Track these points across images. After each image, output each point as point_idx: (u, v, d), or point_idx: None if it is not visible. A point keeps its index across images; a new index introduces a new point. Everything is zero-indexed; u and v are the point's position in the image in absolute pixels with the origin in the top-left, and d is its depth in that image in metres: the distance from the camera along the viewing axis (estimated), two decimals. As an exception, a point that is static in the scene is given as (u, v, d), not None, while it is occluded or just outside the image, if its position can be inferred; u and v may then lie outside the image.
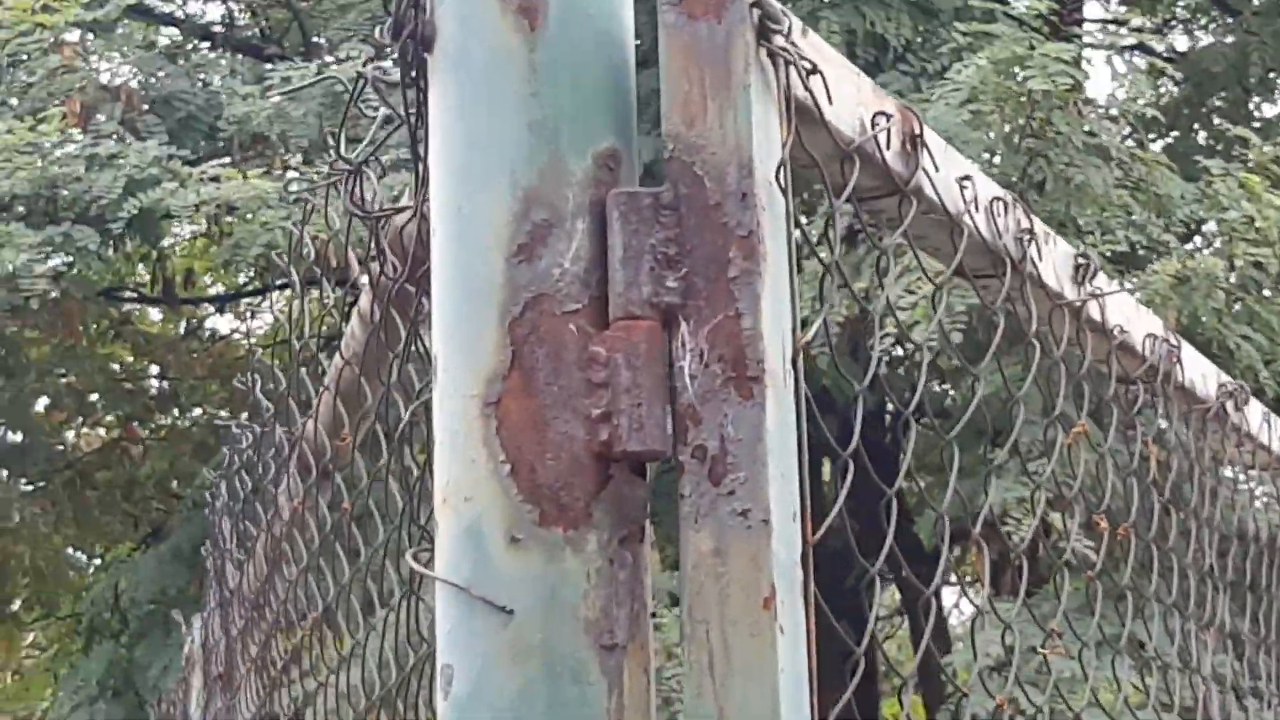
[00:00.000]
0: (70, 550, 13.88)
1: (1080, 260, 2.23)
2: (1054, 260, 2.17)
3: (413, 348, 1.81)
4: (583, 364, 1.45)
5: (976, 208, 1.89)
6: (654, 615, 1.49)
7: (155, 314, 14.41)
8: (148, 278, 12.06)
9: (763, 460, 1.42)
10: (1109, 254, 8.37)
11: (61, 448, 12.73)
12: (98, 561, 13.73)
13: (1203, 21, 11.39)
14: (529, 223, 1.46)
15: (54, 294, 10.48)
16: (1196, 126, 11.31)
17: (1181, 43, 11.66)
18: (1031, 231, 2.05)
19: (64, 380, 12.10)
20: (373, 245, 1.76)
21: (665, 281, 1.46)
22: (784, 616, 1.42)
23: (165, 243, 11.61)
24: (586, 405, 1.45)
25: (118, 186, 8.00)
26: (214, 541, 3.68)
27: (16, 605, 13.54)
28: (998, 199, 1.95)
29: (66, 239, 8.00)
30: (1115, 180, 8.44)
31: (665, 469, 1.48)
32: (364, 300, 2.11)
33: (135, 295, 13.37)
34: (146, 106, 8.80)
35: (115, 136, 8.45)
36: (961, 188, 1.87)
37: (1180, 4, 11.37)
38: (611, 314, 1.46)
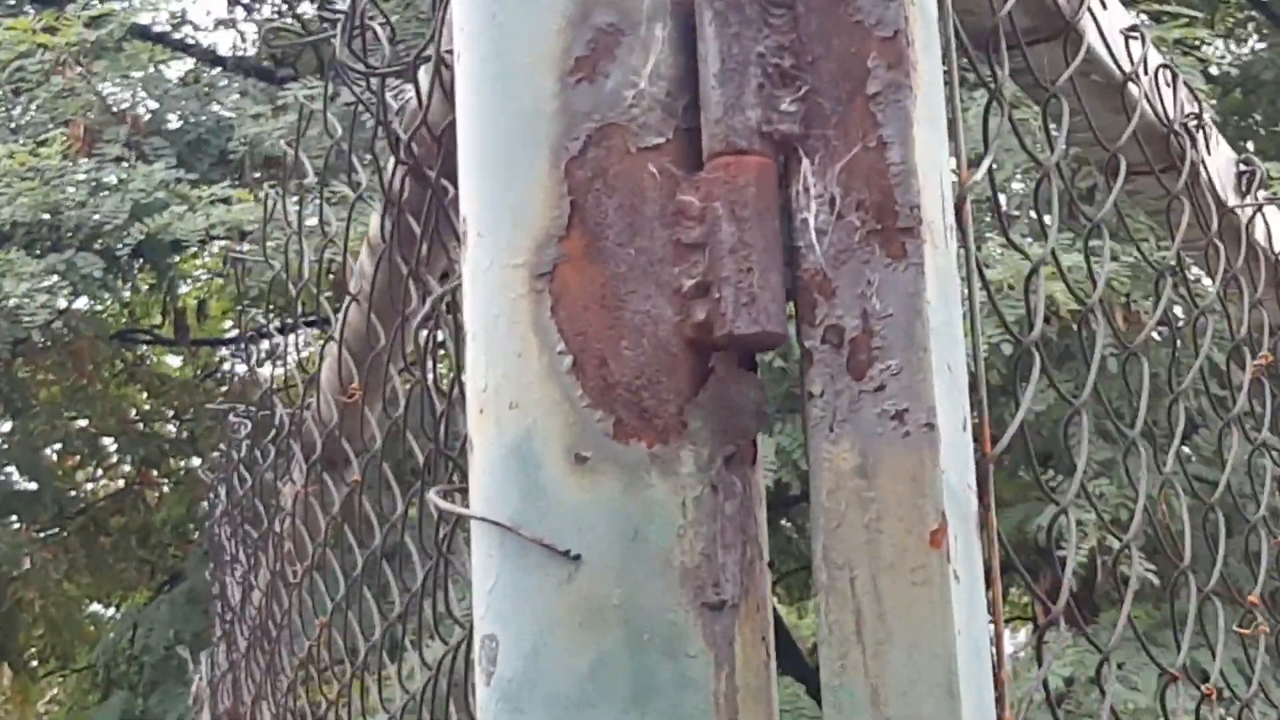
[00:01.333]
0: (87, 601, 13.48)
1: (1244, 167, 1.82)
2: (1218, 164, 1.76)
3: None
4: (669, 218, 1.05)
5: (1145, 70, 1.49)
6: (771, 565, 1.09)
7: (173, 359, 14.07)
8: (161, 319, 11.71)
9: (922, 344, 1.02)
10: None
11: (74, 493, 12.34)
12: (113, 611, 13.32)
13: (1249, 30, 11.00)
14: (590, 28, 1.07)
15: (63, 331, 10.15)
16: (1244, 139, 10.90)
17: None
18: (1200, 118, 1.64)
19: (76, 423, 11.71)
20: (380, 113, 1.37)
21: (779, 104, 1.06)
22: (958, 558, 1.01)
23: (181, 289, 11.28)
24: (675, 275, 1.05)
25: (123, 211, 7.64)
26: (215, 557, 3.28)
27: (31, 657, 13.13)
28: (1164, 67, 1.55)
29: (70, 267, 7.63)
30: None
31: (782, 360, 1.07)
32: (373, 224, 1.72)
33: (150, 338, 13.03)
34: (154, 130, 8.45)
35: (120, 160, 8.09)
36: (1128, 40, 1.47)
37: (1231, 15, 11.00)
38: (706, 150, 1.06)
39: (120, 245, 7.73)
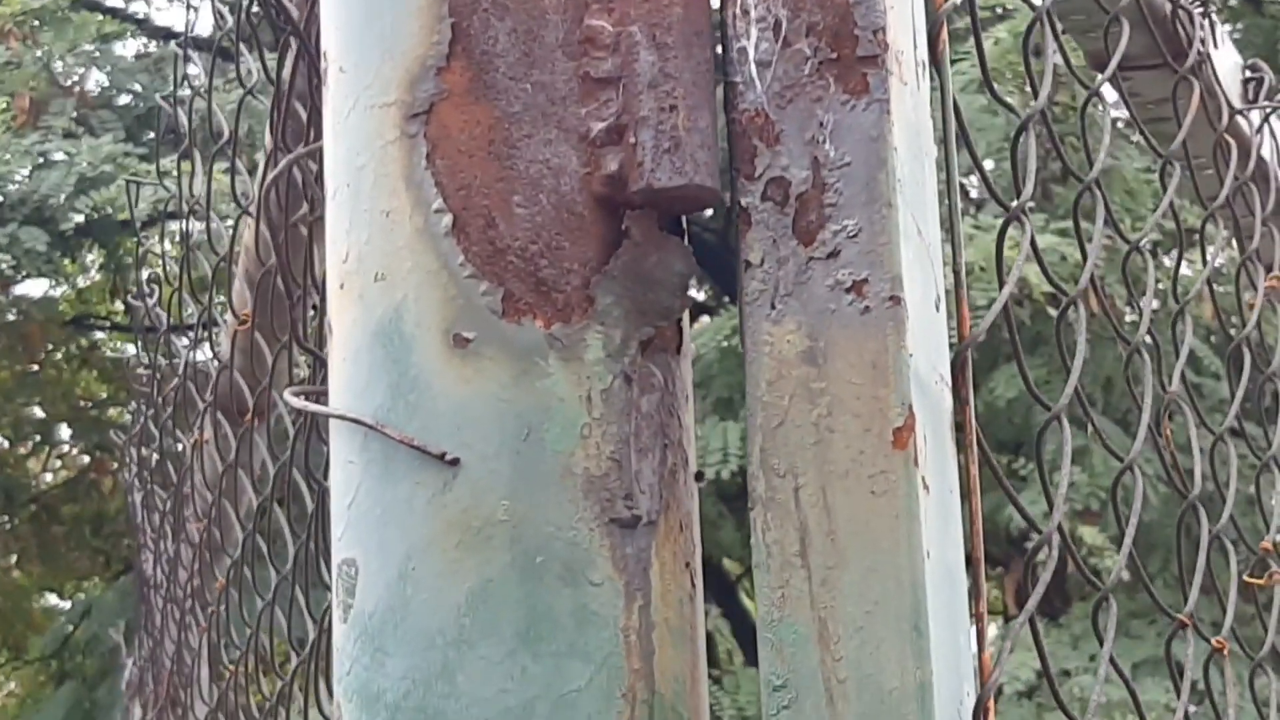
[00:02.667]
0: (39, 592, 13.21)
1: (1250, 73, 1.63)
2: (1224, 66, 1.56)
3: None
4: (574, 47, 0.85)
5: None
6: (699, 478, 0.89)
7: (130, 347, 13.80)
8: (111, 299, 11.44)
9: (886, 199, 0.82)
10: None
11: (25, 481, 12.06)
12: (65, 604, 13.05)
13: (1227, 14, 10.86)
14: None
15: (13, 315, 9.90)
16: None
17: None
18: (1206, 9, 1.45)
19: (26, 410, 11.44)
20: None
21: (711, -93, 0.86)
22: (928, 464, 0.82)
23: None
24: (582, 116, 0.85)
25: (68, 184, 7.39)
26: (132, 527, 3.06)
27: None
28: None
29: (13, 241, 7.38)
30: (1143, 166, 7.86)
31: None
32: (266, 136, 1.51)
33: (106, 324, 12.78)
34: (102, 104, 8.21)
35: (68, 135, 7.84)
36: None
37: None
38: (621, -37, 0.86)
39: (66, 220, 7.49)
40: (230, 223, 1.90)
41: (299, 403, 0.90)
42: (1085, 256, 1.20)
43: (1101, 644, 0.96)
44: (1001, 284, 0.95)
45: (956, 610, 0.82)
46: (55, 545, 11.65)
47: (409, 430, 0.83)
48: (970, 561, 0.84)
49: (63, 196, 7.41)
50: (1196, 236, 1.53)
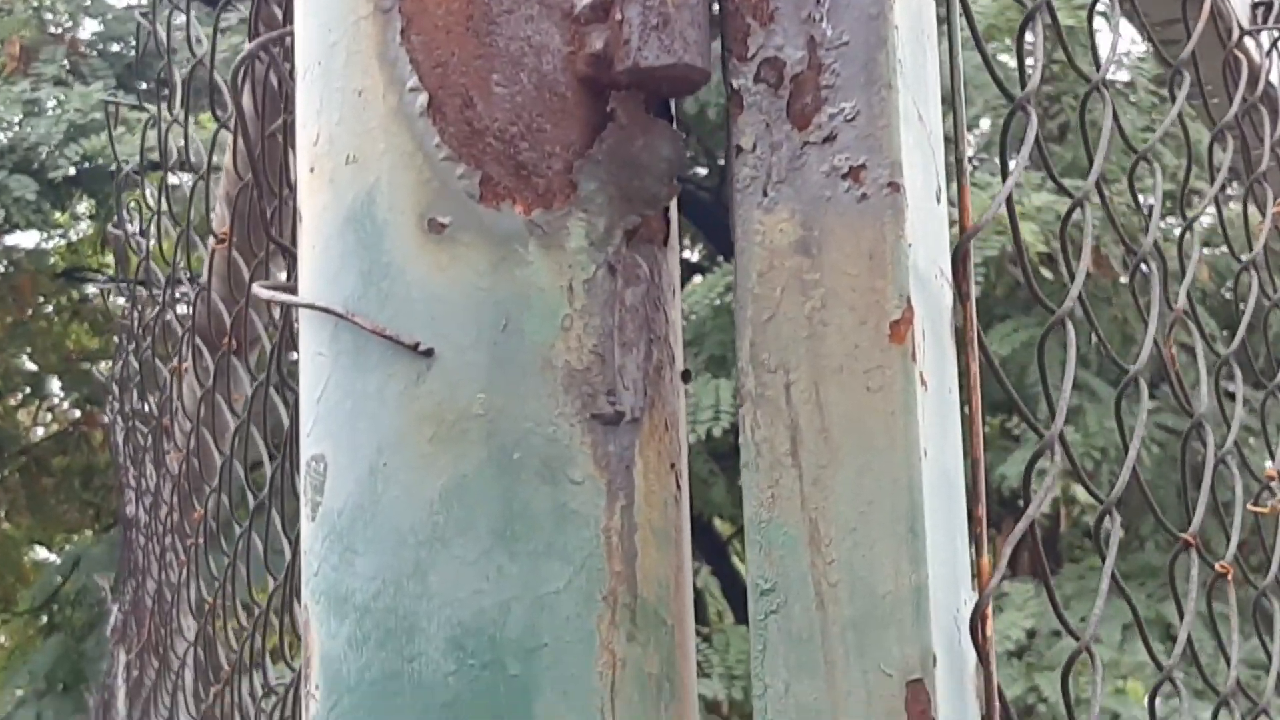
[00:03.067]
0: (29, 544, 13.17)
1: (1259, -1, 1.58)
2: (1230, -10, 1.52)
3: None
4: (558, -82, 0.81)
5: None
6: (686, 377, 0.85)
7: (122, 299, 13.72)
8: (101, 249, 11.37)
9: (886, 80, 0.78)
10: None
11: (15, 432, 12.01)
12: (54, 558, 13.02)
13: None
14: None
15: (4, 265, 9.84)
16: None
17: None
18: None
19: (17, 361, 11.39)
20: None
21: None
22: (926, 360, 0.78)
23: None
24: (565, -8, 0.80)
25: (58, 132, 7.33)
26: (115, 466, 3.02)
27: (-28, 601, 12.84)
28: None
29: (3, 189, 7.31)
30: (1141, 125, 7.80)
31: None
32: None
33: (96, 276, 12.72)
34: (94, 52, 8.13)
35: (58, 82, 7.77)
36: None
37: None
38: None
39: (56, 169, 7.43)
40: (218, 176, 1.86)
41: (266, 293, 0.85)
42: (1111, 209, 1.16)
43: (1104, 559, 0.92)
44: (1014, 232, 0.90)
45: (954, 513, 0.79)
46: (45, 498, 11.62)
47: (381, 320, 0.79)
48: (965, 396, 0.80)
49: (53, 144, 7.34)
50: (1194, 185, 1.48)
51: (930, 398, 0.77)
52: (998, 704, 0.78)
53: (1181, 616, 0.99)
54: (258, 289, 0.86)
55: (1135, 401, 1.14)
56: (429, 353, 0.78)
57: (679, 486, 0.82)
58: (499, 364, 0.78)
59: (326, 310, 0.79)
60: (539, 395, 0.78)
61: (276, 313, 1.63)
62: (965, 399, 0.82)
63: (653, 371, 0.81)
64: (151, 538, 2.47)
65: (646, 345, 0.81)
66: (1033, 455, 0.87)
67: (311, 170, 0.82)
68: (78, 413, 12.54)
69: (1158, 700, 1.03)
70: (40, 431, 12.83)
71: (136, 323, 2.40)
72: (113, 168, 7.81)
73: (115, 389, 2.77)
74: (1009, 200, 0.90)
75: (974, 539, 0.80)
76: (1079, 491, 7.73)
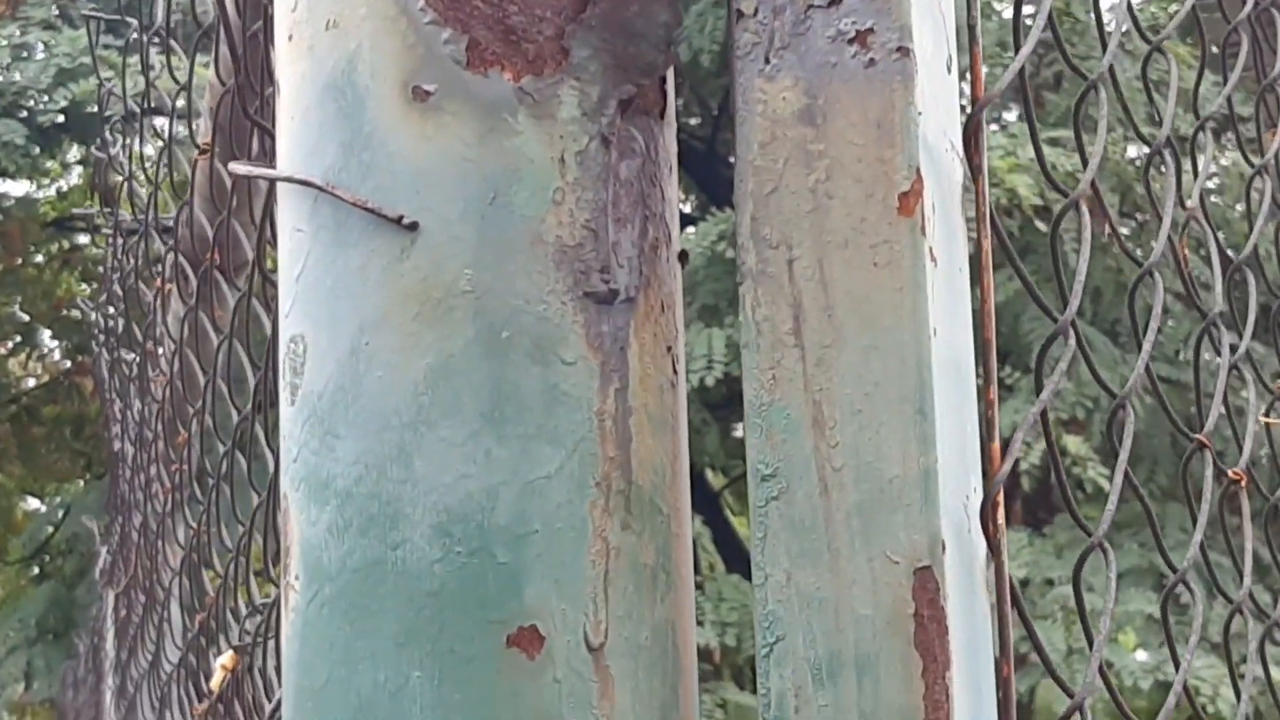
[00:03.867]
0: (20, 494, 13.15)
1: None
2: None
3: None
4: None
5: None
6: (683, 258, 0.81)
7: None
8: (91, 196, 11.29)
9: (894, -60, 0.74)
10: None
11: (5, 381, 11.97)
12: (45, 507, 13.00)
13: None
14: None
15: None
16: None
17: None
18: None
19: (7, 309, 11.33)
20: None
21: None
22: (936, 235, 0.74)
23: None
24: None
25: (47, 77, 7.26)
26: (101, 401, 2.97)
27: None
28: None
29: (-10, 133, 7.26)
30: (1136, 74, 7.76)
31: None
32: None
33: (85, 225, 12.65)
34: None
35: (48, 26, 7.70)
36: None
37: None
38: None
39: (44, 113, 7.37)
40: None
41: (243, 169, 0.81)
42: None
43: (1118, 456, 0.89)
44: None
45: (964, 396, 0.75)
46: (35, 447, 11.58)
47: (362, 192, 0.75)
48: (976, 276, 0.77)
49: (41, 89, 7.28)
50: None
51: (940, 274, 0.73)
52: (1009, 596, 0.75)
53: (1194, 521, 0.96)
54: (234, 166, 0.82)
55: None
56: (413, 226, 0.74)
57: (676, 371, 0.78)
58: (487, 239, 0.74)
59: (305, 183, 0.75)
60: (529, 272, 0.74)
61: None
62: (975, 279, 0.79)
63: (648, 249, 0.77)
64: (138, 470, 2.44)
65: (642, 222, 0.77)
66: (1046, 340, 0.83)
67: (290, 38, 0.78)
68: (69, 363, 12.50)
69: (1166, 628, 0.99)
70: (31, 381, 12.78)
71: (120, 248, 2.35)
72: (104, 112, 7.75)
73: (100, 320, 2.72)
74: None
75: (985, 424, 0.76)
76: (1070, 442, 7.70)
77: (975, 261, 0.79)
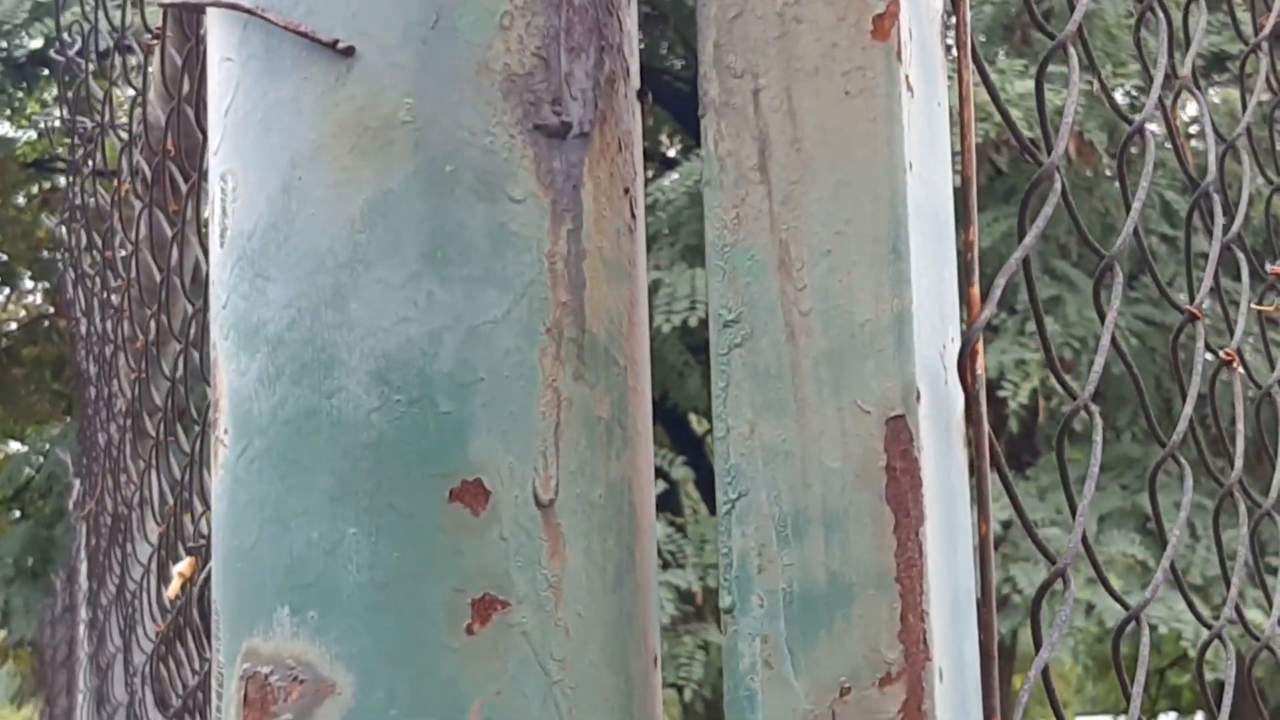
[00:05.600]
0: (2, 438, 13.09)
1: None
2: None
3: None
4: None
5: None
6: (643, 95, 0.76)
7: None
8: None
9: None
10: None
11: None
12: (25, 450, 12.94)
13: None
14: None
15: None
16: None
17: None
18: None
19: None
20: None
21: None
22: (913, 63, 0.69)
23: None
24: None
25: (23, 11, 7.16)
26: (69, 323, 2.91)
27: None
28: None
29: (-35, 67, 7.17)
30: (1124, 12, 7.68)
31: None
32: None
33: (65, 167, 12.54)
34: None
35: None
36: None
37: None
38: None
39: (19, 48, 7.27)
40: None
41: (171, -2, 0.76)
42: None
43: (1104, 318, 0.84)
44: None
45: (942, 238, 0.70)
46: (15, 388, 11.52)
47: (295, 16, 0.69)
48: (961, 182, 0.71)
49: (16, 23, 7.18)
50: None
51: (917, 105, 0.68)
52: (988, 453, 0.70)
53: (1184, 399, 0.91)
54: (162, -2, 0.76)
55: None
56: (349, 52, 0.68)
57: (634, 215, 0.73)
58: (428, 66, 0.68)
59: (234, 6, 0.70)
60: (474, 102, 0.69)
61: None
62: (956, 119, 0.73)
63: (604, 83, 0.72)
64: (101, 386, 2.38)
65: (597, 53, 0.72)
66: (1029, 186, 0.78)
67: None
68: (51, 309, 12.41)
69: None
70: (11, 325, 12.70)
71: (81, 153, 2.29)
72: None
73: (64, 234, 2.66)
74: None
75: (964, 269, 0.71)
76: (1056, 383, 7.65)
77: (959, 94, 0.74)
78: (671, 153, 11.11)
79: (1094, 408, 0.79)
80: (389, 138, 0.68)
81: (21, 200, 11.93)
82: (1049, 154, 0.80)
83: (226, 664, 0.69)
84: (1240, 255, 1.05)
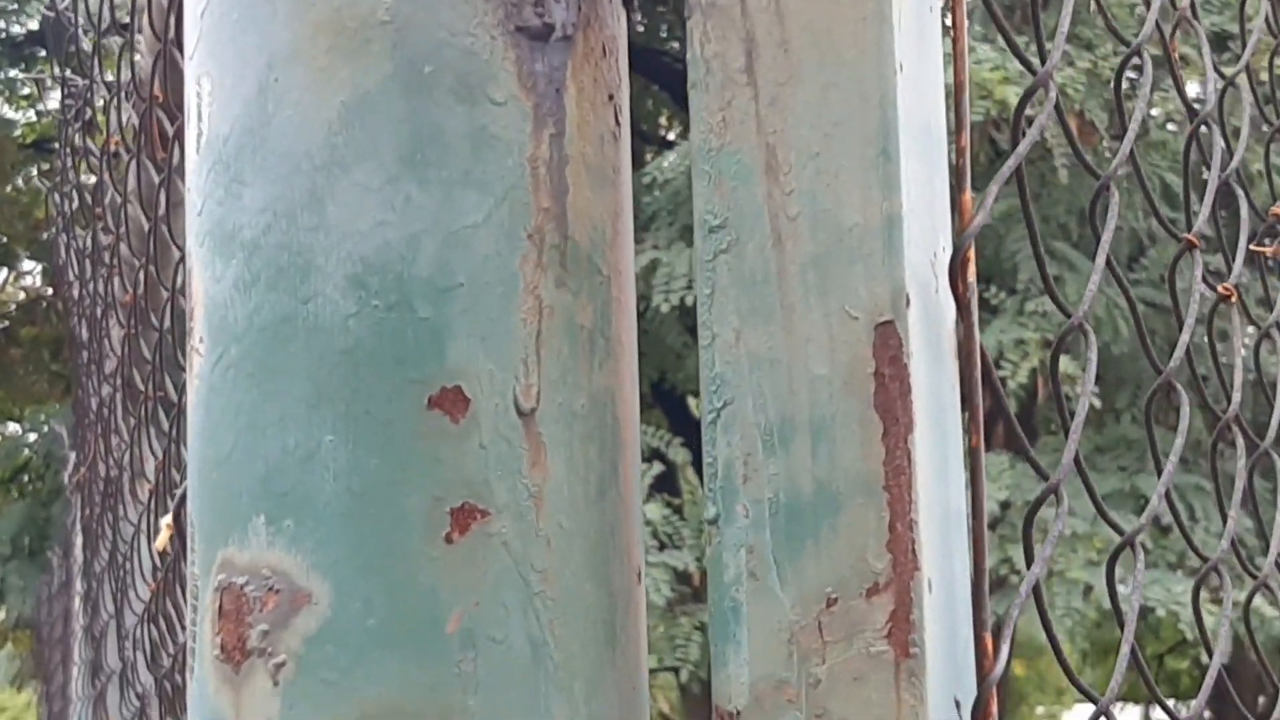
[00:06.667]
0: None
1: None
2: None
3: None
4: None
5: None
6: (628, 3, 0.74)
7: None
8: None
9: None
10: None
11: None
12: (24, 431, 12.92)
13: None
14: None
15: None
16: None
17: None
18: None
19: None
20: None
21: None
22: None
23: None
24: None
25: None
26: (62, 290, 2.88)
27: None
28: None
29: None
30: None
31: None
32: None
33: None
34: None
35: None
36: None
37: None
38: None
39: (17, 24, 7.25)
40: None
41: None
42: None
43: (1099, 238, 0.82)
44: None
45: (932, 141, 0.68)
46: (13, 369, 11.51)
47: (272, -86, 0.67)
48: (954, 88, 0.70)
49: (12, 9, 7.16)
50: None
51: (908, 5, 0.67)
52: (979, 363, 0.68)
53: (1180, 326, 0.90)
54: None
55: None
56: (326, -51, 0.67)
57: (619, 122, 0.71)
58: (407, -38, 0.67)
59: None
60: (454, 2, 0.67)
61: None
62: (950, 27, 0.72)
63: (590, -18, 0.70)
64: (94, 348, 2.36)
65: (581, -52, 0.70)
66: (1025, 92, 0.76)
67: None
68: (50, 291, 12.39)
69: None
70: (8, 304, 12.68)
71: (71, 112, 2.27)
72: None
73: (57, 199, 2.64)
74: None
75: (956, 174, 0.70)
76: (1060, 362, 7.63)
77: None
78: (671, 135, 11.09)
79: (1089, 326, 0.78)
80: (367, 37, 0.67)
81: (21, 181, 11.91)
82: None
83: (201, 576, 0.68)
84: (1239, 191, 1.03)
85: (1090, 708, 0.77)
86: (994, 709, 0.66)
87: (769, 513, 0.65)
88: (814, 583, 0.64)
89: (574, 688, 0.66)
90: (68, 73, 2.33)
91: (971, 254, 0.68)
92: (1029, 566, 0.72)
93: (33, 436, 11.24)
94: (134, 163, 1.66)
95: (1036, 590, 0.72)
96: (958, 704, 0.66)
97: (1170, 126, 7.84)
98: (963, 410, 0.69)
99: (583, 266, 0.69)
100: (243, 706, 0.65)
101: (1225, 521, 1.00)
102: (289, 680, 0.64)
